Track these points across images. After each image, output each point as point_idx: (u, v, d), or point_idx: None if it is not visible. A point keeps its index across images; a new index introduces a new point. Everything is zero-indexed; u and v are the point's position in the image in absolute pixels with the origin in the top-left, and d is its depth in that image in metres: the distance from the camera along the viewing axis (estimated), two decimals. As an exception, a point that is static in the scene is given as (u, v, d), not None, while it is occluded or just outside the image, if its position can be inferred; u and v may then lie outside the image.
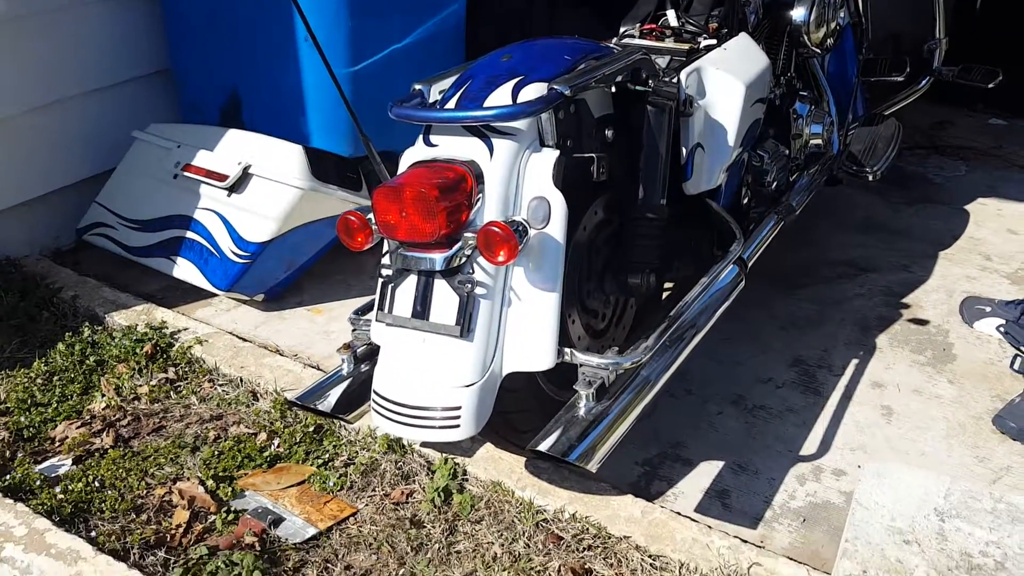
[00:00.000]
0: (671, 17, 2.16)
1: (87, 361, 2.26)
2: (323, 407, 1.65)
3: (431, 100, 1.63)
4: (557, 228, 1.47)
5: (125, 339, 2.31)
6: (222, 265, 2.39)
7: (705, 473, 1.91)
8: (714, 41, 2.05)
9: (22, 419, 2.07)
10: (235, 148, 2.42)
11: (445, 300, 1.46)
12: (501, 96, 1.52)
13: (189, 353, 2.27)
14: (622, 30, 2.18)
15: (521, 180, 1.49)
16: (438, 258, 1.44)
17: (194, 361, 2.26)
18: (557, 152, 1.50)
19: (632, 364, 1.54)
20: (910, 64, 2.67)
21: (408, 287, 1.49)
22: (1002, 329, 2.32)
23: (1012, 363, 2.18)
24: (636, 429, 2.02)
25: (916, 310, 2.52)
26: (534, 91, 1.51)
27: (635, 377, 1.56)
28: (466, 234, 1.43)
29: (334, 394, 1.68)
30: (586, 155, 1.55)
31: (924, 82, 2.80)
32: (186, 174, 2.44)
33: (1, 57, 2.48)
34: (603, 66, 1.59)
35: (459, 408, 1.45)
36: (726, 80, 1.90)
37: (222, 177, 2.37)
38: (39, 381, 2.21)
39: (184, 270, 2.44)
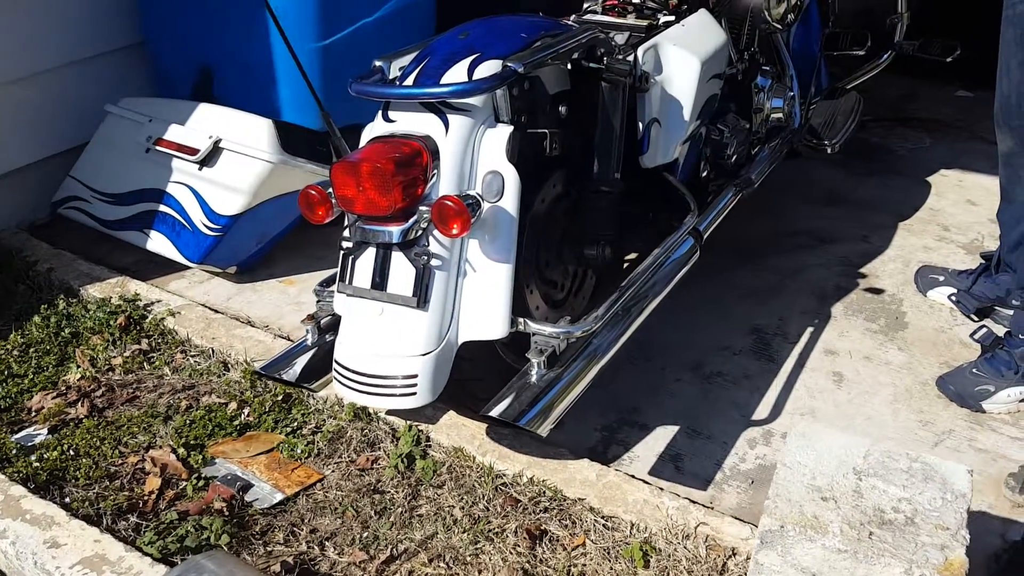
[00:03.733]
0: (633, -7, 2.20)
1: (62, 333, 2.31)
2: (288, 377, 1.71)
3: (391, 76, 1.67)
4: (510, 202, 1.52)
5: (99, 311, 2.35)
6: (194, 238, 2.43)
7: (660, 437, 1.99)
8: (673, 17, 2.09)
9: (-2, 390, 2.12)
10: (206, 122, 2.45)
11: (402, 271, 1.51)
12: (457, 73, 1.56)
13: (162, 325, 2.32)
14: (586, 5, 2.22)
15: (476, 155, 1.54)
16: (395, 231, 1.49)
17: (167, 332, 2.31)
18: (511, 127, 1.55)
19: (583, 333, 1.60)
20: (871, 38, 2.72)
21: (367, 259, 1.54)
22: (953, 298, 2.39)
23: (973, 333, 2.19)
24: (595, 395, 2.10)
25: (872, 279, 2.59)
26: (489, 68, 1.55)
27: (586, 345, 1.63)
28: (421, 207, 1.48)
29: (299, 364, 1.74)
30: (539, 130, 1.60)
31: (886, 56, 2.85)
32: (158, 148, 2.47)
33: (-29, 32, 2.50)
34: (558, 44, 1.64)
35: (416, 376, 1.51)
36: (682, 56, 1.94)
37: (193, 151, 2.41)
38: (15, 353, 2.25)
39: (157, 243, 2.48)
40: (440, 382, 1.54)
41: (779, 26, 2.47)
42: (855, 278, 2.60)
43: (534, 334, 1.59)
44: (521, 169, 1.65)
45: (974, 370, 2.07)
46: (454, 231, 1.45)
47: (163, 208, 2.47)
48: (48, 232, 2.78)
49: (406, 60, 1.66)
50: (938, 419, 2.04)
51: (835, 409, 2.07)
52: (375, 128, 1.59)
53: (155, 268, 2.58)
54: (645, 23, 2.04)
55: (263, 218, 2.48)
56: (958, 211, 2.98)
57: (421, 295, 1.50)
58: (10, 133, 2.66)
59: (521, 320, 1.59)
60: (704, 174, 2.27)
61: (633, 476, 1.85)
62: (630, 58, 1.84)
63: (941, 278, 2.45)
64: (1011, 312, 2.20)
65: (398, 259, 1.51)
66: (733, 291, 2.53)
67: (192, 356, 2.23)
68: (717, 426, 2.02)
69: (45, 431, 2.02)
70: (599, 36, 1.73)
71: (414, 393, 1.51)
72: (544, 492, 1.78)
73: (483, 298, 1.54)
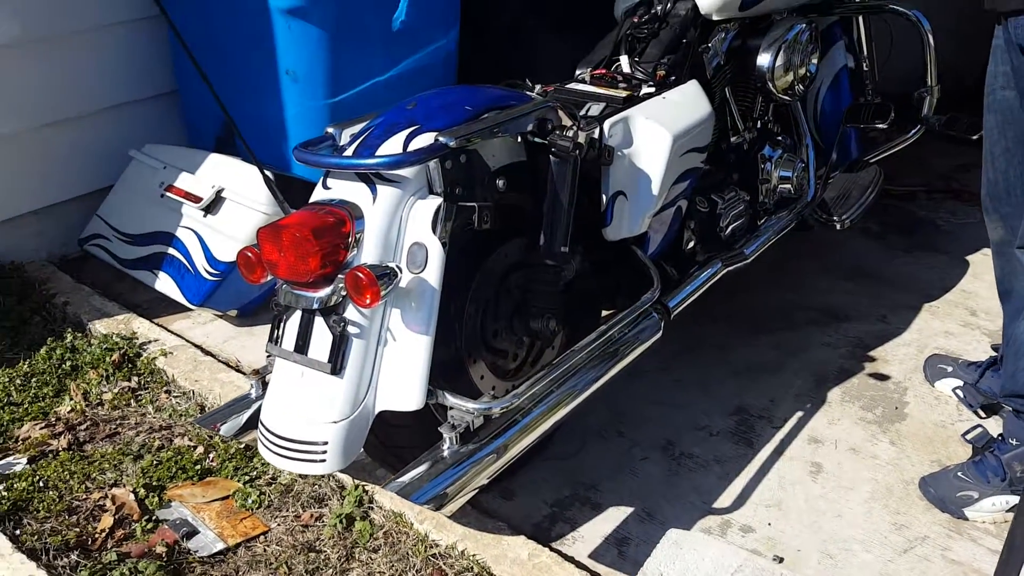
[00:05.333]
0: (624, 63, 2.19)
1: (64, 366, 2.42)
2: (227, 429, 1.74)
3: (341, 143, 1.70)
4: (432, 274, 1.52)
5: (99, 347, 2.46)
6: (196, 281, 2.52)
7: (611, 519, 1.92)
8: (653, 89, 2.06)
9: (-8, 417, 2.23)
10: (212, 172, 2.55)
11: (321, 337, 1.52)
12: (393, 145, 1.58)
13: (153, 364, 2.40)
14: (577, 73, 2.21)
15: (404, 225, 1.55)
16: (315, 297, 1.51)
17: (156, 372, 2.39)
18: (439, 200, 1.55)
19: (501, 410, 1.57)
20: (896, 111, 2.61)
21: (293, 322, 1.56)
22: (959, 392, 2.25)
23: (966, 433, 2.06)
24: (553, 468, 2.06)
25: (880, 364, 2.46)
26: (424, 141, 1.56)
27: (508, 424, 1.60)
28: (340, 275, 1.49)
29: (242, 417, 1.76)
30: (468, 204, 1.59)
31: (913, 131, 2.73)
32: (169, 194, 2.59)
33: (18, 76, 2.67)
34: (500, 119, 1.64)
35: (326, 443, 1.51)
36: (653, 130, 1.91)
37: (197, 199, 2.51)
38: (18, 381, 2.37)
39: (164, 283, 2.58)
40: (352, 450, 1.54)
41: (786, 97, 2.40)
42: (861, 361, 2.47)
43: (451, 408, 1.57)
44: (465, 238, 1.65)
45: (959, 473, 1.93)
46: (367, 301, 1.45)
47: (171, 251, 2.58)
48: (77, 266, 2.92)
49: (356, 129, 1.69)
50: (914, 523, 1.91)
51: (804, 503, 1.96)
52: (315, 194, 1.62)
53: (165, 307, 2.68)
54: (624, 94, 2.02)
55: (264, 265, 2.54)
56: (992, 295, 2.78)
57: (336, 362, 1.51)
58: (46, 171, 2.83)
59: (440, 392, 1.57)
60: (690, 246, 2.21)
61: (570, 558, 1.79)
62: (595, 132, 1.83)
63: (949, 368, 2.30)
64: (1015, 412, 2.05)
65: (319, 325, 1.53)
66: (726, 367, 2.45)
67: (175, 397, 2.30)
68: (673, 511, 1.94)
69: (24, 460, 2.11)
70: (548, 110, 1.72)
71: (323, 460, 1.51)
72: (472, 567, 1.75)
73: (400, 368, 1.53)
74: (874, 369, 2.44)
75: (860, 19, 2.83)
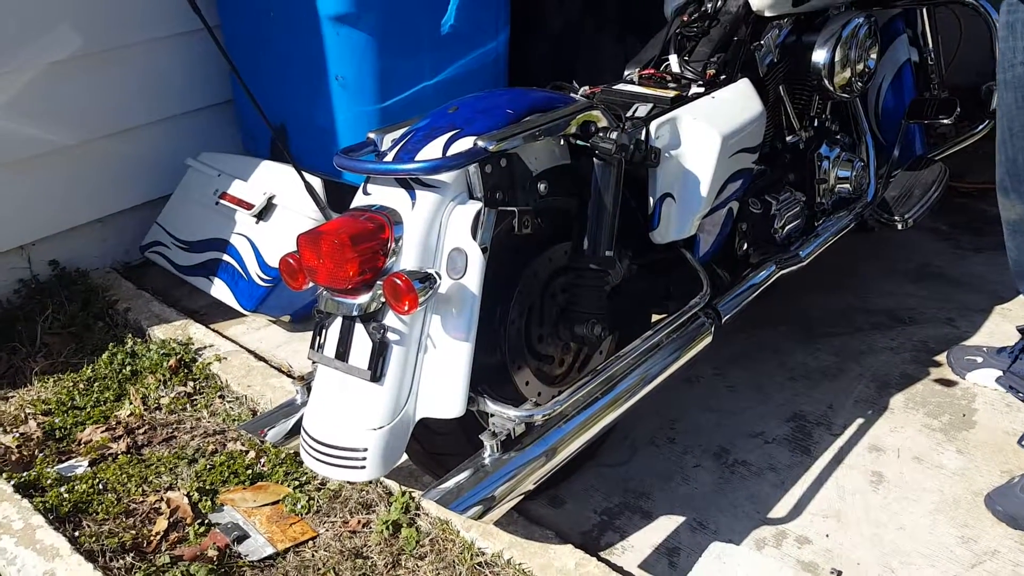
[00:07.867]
0: (673, 62, 2.14)
1: (124, 370, 2.48)
2: (273, 435, 1.75)
3: (383, 149, 1.70)
4: (472, 280, 1.51)
5: (157, 352, 2.51)
6: (249, 287, 2.56)
7: (662, 528, 1.88)
8: (703, 89, 2.01)
9: (56, 420, 2.30)
10: (264, 179, 2.59)
11: (361, 344, 1.52)
12: (433, 150, 1.57)
13: (208, 369, 2.44)
14: (625, 73, 2.18)
15: (443, 231, 1.54)
16: (354, 303, 1.51)
17: (211, 377, 2.43)
18: (478, 205, 1.53)
19: (543, 417, 1.54)
20: (966, 106, 2.50)
21: (334, 329, 1.57)
22: (1006, 383, 2.14)
23: (1021, 439, 2.00)
24: (604, 475, 2.03)
25: (946, 369, 2.35)
26: (463, 145, 1.55)
27: (549, 431, 1.57)
28: (379, 282, 1.49)
29: (287, 423, 1.77)
30: (509, 208, 1.57)
31: (981, 127, 2.61)
32: (223, 201, 2.63)
33: (80, 88, 2.75)
34: (542, 121, 1.61)
35: (365, 450, 1.51)
36: (702, 130, 1.86)
37: (249, 206, 2.54)
38: (81, 386, 2.43)
39: (218, 289, 2.63)
40: (392, 457, 1.53)
41: (845, 95, 2.32)
42: (926, 366, 2.37)
43: (492, 415, 1.55)
44: (508, 243, 1.63)
45: (1029, 485, 1.83)
46: (405, 308, 1.44)
47: (226, 257, 2.62)
48: (139, 273, 2.99)
49: (398, 134, 1.69)
50: (983, 537, 1.82)
51: (864, 514, 1.89)
52: (355, 200, 1.62)
53: (221, 313, 2.73)
54: (671, 94, 1.97)
55: (316, 271, 2.56)
56: (1072, 297, 2.66)
57: (376, 369, 1.50)
58: (109, 181, 2.90)
59: (481, 398, 1.56)
60: (743, 249, 2.15)
61: (618, 568, 1.76)
62: (640, 133, 1.79)
63: (980, 359, 2.20)
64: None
65: (359, 332, 1.53)
66: (784, 372, 2.38)
67: (228, 402, 2.34)
68: (726, 521, 1.88)
69: (86, 463, 2.16)
70: (591, 112, 1.68)
71: (363, 467, 1.51)
72: (517, 576, 1.73)
73: (440, 375, 1.52)
74: (940, 375, 2.33)
75: (924, 11, 2.73)
